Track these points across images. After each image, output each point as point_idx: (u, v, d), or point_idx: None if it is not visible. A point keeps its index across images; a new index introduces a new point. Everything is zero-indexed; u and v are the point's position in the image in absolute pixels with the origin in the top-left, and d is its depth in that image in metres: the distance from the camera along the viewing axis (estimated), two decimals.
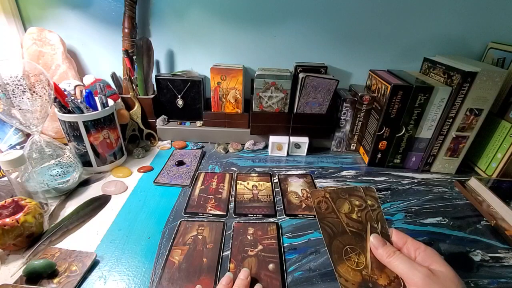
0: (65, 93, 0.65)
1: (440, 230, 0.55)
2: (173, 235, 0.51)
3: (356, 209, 0.40)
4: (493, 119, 0.70)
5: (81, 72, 0.86)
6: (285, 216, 0.57)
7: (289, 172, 0.72)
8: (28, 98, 0.54)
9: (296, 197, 0.63)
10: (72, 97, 0.63)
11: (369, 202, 0.40)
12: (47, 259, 0.43)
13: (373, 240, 0.36)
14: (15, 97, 0.53)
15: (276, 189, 0.65)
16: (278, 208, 0.59)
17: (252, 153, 0.81)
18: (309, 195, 0.63)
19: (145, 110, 0.82)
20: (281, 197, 0.62)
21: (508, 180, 0.67)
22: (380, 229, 0.38)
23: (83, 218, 0.54)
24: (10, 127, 0.71)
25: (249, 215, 0.57)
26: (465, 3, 0.74)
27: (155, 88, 0.83)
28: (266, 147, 0.83)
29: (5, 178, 0.62)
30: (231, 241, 0.50)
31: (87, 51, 0.85)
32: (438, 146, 0.71)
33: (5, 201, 0.48)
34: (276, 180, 0.68)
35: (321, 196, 0.41)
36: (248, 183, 0.66)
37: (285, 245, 0.50)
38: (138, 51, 0.76)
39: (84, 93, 0.66)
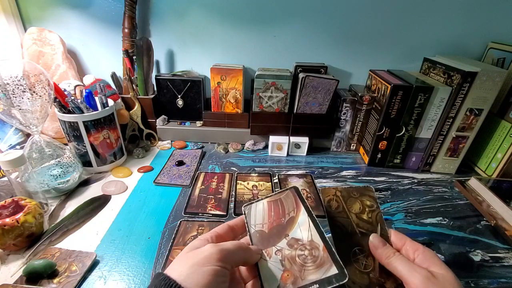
0: (65, 93, 0.65)
1: (440, 230, 0.55)
2: (173, 235, 0.51)
3: (367, 209, 0.38)
4: (493, 119, 0.70)
5: (81, 72, 0.86)
6: None
7: (289, 172, 0.72)
8: (28, 98, 0.54)
9: None
10: (72, 97, 0.63)
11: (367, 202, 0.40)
12: (47, 259, 0.43)
13: (372, 240, 0.35)
14: (15, 97, 0.53)
15: (276, 189, 0.65)
16: None
17: (252, 153, 0.81)
18: (309, 195, 0.63)
19: (145, 110, 0.82)
20: None
21: (508, 180, 0.67)
22: (380, 230, 0.38)
23: (83, 218, 0.54)
24: (10, 127, 0.71)
25: None
26: (465, 3, 0.74)
27: (155, 88, 0.83)
28: (266, 147, 0.83)
29: (5, 178, 0.62)
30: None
31: (87, 51, 0.85)
32: (438, 146, 0.71)
33: (5, 201, 0.48)
34: (276, 180, 0.68)
35: (332, 194, 0.39)
36: (248, 183, 0.66)
37: None
38: (138, 51, 0.76)
39: (84, 93, 0.66)
